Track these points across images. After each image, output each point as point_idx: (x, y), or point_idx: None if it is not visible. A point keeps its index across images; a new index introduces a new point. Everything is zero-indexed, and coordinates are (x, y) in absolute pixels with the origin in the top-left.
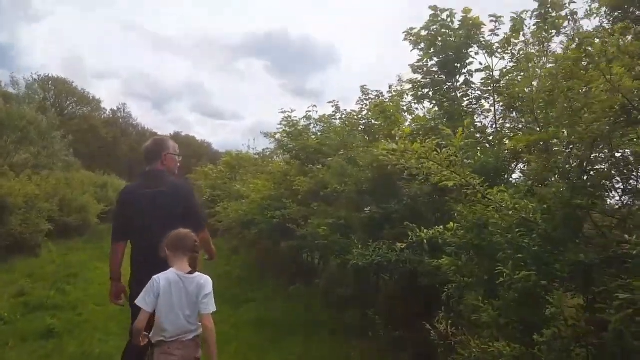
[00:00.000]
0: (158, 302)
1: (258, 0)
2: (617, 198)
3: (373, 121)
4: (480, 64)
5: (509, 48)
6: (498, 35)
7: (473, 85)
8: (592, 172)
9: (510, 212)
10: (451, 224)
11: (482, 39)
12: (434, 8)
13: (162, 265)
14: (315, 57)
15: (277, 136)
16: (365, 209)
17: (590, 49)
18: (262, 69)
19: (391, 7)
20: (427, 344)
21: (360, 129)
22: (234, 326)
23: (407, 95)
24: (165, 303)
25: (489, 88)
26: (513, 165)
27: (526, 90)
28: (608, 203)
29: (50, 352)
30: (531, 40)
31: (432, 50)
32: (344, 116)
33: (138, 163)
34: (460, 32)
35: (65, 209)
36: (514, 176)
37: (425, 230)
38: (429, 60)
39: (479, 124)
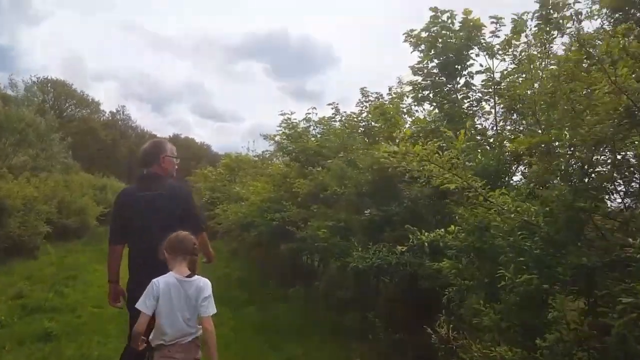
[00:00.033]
0: (157, 306)
1: (257, 2)
2: (619, 200)
3: (373, 123)
4: (481, 65)
5: (510, 50)
6: (499, 37)
7: (473, 87)
8: (593, 175)
9: (512, 215)
10: (452, 227)
11: (482, 41)
12: (435, 9)
13: (160, 268)
14: (315, 58)
15: (277, 138)
16: (365, 212)
17: (591, 50)
18: (261, 71)
19: (391, 9)
20: (427, 347)
21: (360, 131)
22: (234, 329)
23: (407, 97)
24: (164, 306)
25: (490, 90)
26: (513, 168)
27: (528, 92)
28: (609, 206)
29: (48, 355)
30: (533, 41)
31: (432, 52)
32: (343, 118)
33: (137, 165)
34: (461, 33)
35: (64, 211)
36: (515, 178)
37: (426, 234)
38: (429, 62)
39: (479, 126)
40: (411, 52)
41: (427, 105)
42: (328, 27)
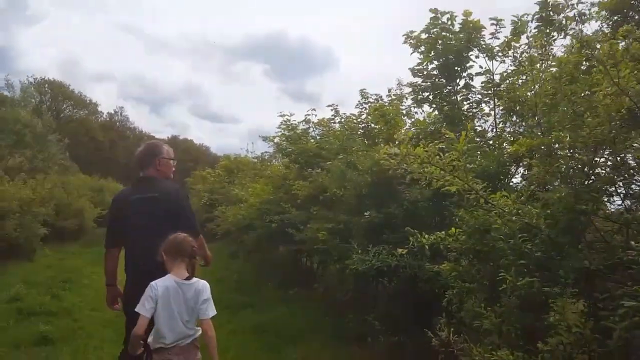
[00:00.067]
0: (156, 309)
1: (256, 3)
2: (619, 203)
3: (372, 125)
4: (481, 67)
5: (510, 51)
6: (499, 39)
7: (473, 89)
8: (593, 177)
9: (514, 218)
10: (452, 229)
11: (482, 42)
12: (435, 11)
13: (157, 271)
14: (314, 59)
15: (276, 140)
16: (365, 214)
17: (590, 52)
18: (260, 72)
19: (391, 10)
20: (427, 350)
21: (359, 132)
22: (232, 332)
23: (407, 98)
24: (163, 309)
25: (489, 92)
26: (513, 170)
27: (529, 93)
28: (609, 208)
29: None
30: (533, 42)
31: (432, 54)
32: (343, 120)
33: (134, 168)
34: (461, 35)
35: (62, 213)
36: (514, 180)
37: (426, 236)
38: (429, 63)
39: (479, 128)
40: (411, 54)
41: (426, 107)
42: (327, 28)
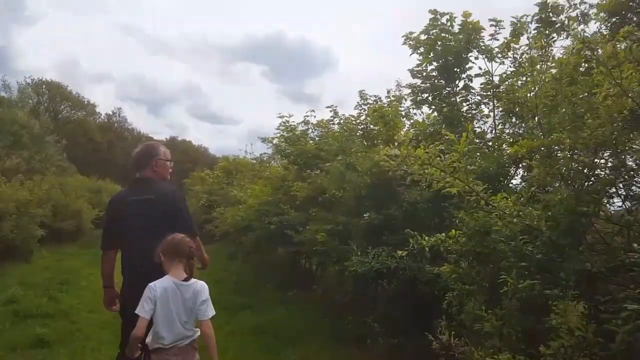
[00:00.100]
0: (155, 310)
1: (256, 4)
2: (620, 204)
3: (372, 126)
4: (480, 68)
5: (509, 52)
6: (498, 40)
7: (472, 90)
8: (593, 178)
9: (514, 220)
10: (453, 231)
11: (482, 44)
12: (434, 12)
13: (154, 273)
14: (313, 60)
15: (275, 141)
16: (364, 215)
17: (591, 53)
18: (259, 73)
19: (390, 11)
20: (426, 353)
21: (358, 134)
22: (231, 333)
23: (406, 100)
24: (162, 311)
25: (489, 93)
26: (512, 171)
27: (529, 94)
28: (610, 209)
29: None
30: (533, 43)
31: (431, 55)
32: (342, 121)
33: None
34: (460, 36)
35: (59, 215)
36: (514, 182)
37: (426, 238)
38: (428, 64)
39: (478, 129)
40: (410, 55)
41: (425, 108)
42: (326, 29)
